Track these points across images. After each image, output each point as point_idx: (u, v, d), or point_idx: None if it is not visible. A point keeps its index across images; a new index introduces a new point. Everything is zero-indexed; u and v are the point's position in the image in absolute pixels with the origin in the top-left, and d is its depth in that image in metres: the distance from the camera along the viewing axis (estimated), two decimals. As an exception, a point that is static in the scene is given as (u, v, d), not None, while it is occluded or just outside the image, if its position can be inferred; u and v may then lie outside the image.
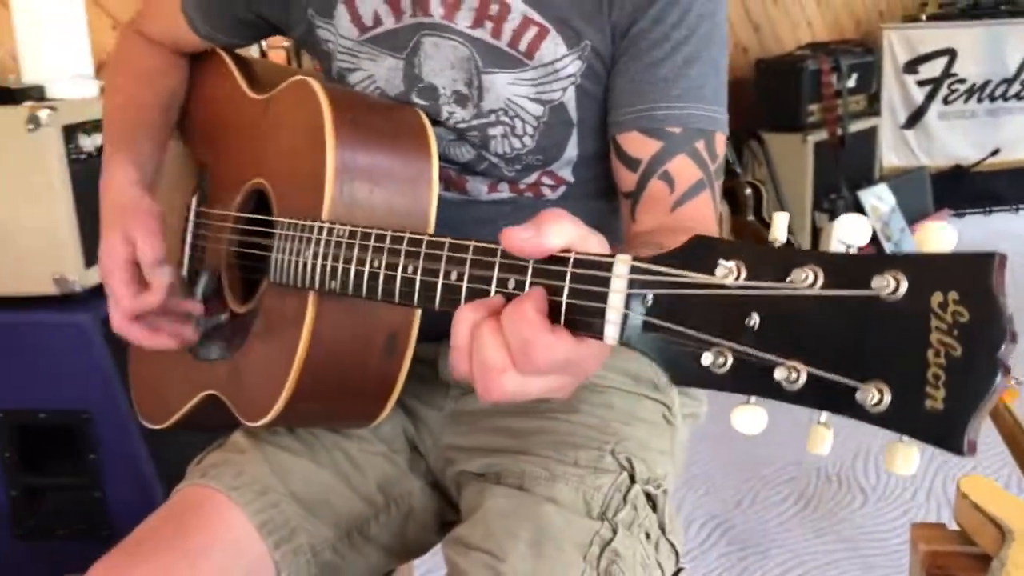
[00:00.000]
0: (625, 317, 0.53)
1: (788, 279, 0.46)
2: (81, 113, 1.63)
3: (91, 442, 1.63)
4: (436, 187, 0.90)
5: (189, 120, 1.17)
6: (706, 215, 0.89)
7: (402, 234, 0.72)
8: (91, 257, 1.61)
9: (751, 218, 3.72)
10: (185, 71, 1.17)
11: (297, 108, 0.93)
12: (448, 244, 0.66)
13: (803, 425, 0.49)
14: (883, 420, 0.44)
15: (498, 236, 0.59)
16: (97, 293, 1.65)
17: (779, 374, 0.46)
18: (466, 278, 0.64)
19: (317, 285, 0.82)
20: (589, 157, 0.98)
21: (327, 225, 0.82)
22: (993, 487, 1.22)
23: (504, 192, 1.01)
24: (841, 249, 0.47)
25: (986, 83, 4.77)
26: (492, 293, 0.62)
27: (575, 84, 0.94)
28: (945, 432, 0.42)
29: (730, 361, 0.48)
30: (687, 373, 0.50)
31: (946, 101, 4.77)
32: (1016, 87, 4.77)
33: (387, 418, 0.97)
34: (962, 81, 4.75)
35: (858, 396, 0.44)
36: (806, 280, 0.46)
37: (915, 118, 4.78)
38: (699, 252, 0.50)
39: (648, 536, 0.92)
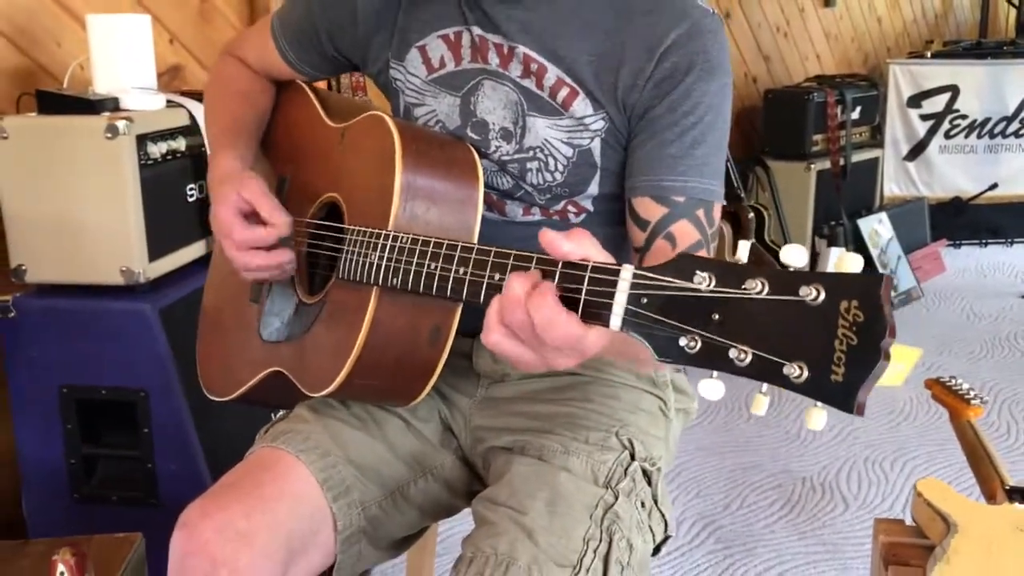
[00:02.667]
0: (626, 310, 0.70)
1: (743, 287, 0.64)
2: (151, 124, 1.72)
3: (146, 418, 1.72)
4: (481, 208, 1.04)
5: (273, 139, 1.30)
6: None
7: (456, 242, 0.87)
8: (155, 252, 1.73)
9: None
10: (273, 94, 1.32)
11: (371, 137, 1.06)
12: (494, 252, 0.83)
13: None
14: (801, 389, 0.61)
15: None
16: (158, 285, 1.76)
17: (732, 354, 0.63)
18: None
19: (380, 281, 0.97)
20: (607, 194, 1.12)
21: (392, 233, 0.97)
22: (944, 488, 1.34)
23: (536, 215, 1.15)
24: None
25: (986, 120, 4.85)
26: None
27: (600, 137, 1.08)
28: (842, 397, 0.60)
29: (699, 344, 0.65)
30: (668, 352, 0.67)
31: (947, 136, 4.85)
32: (1015, 125, 4.85)
33: (426, 401, 1.10)
34: (963, 117, 4.84)
35: (784, 371, 0.61)
36: (755, 288, 0.64)
37: (917, 151, 4.86)
38: (682, 265, 0.68)
39: (643, 504, 1.07)
